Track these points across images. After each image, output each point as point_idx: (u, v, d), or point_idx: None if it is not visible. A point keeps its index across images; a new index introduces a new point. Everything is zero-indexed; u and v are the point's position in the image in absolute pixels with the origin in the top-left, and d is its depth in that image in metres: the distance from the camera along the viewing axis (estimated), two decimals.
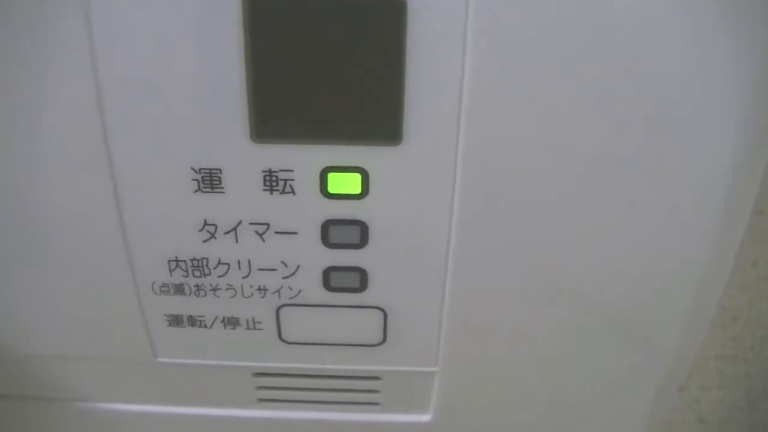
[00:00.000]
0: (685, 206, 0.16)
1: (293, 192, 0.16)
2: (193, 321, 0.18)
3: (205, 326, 0.18)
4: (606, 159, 0.15)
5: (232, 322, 0.18)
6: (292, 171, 0.16)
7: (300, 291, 0.17)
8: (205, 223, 0.16)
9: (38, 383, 0.20)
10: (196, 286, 0.18)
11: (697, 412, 0.38)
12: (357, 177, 0.16)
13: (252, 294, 0.18)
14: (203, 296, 0.18)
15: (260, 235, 0.16)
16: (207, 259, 0.17)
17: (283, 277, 0.17)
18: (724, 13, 0.14)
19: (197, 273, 0.17)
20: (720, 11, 0.14)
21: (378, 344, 0.19)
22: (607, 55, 0.14)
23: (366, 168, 0.15)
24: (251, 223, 0.16)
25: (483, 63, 0.14)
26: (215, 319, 0.18)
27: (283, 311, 0.18)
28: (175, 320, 0.18)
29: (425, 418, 0.21)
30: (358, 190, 0.16)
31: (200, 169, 0.16)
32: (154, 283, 0.18)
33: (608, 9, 0.14)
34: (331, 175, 0.16)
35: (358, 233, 0.16)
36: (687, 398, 0.38)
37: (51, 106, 0.15)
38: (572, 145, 0.15)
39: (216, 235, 0.17)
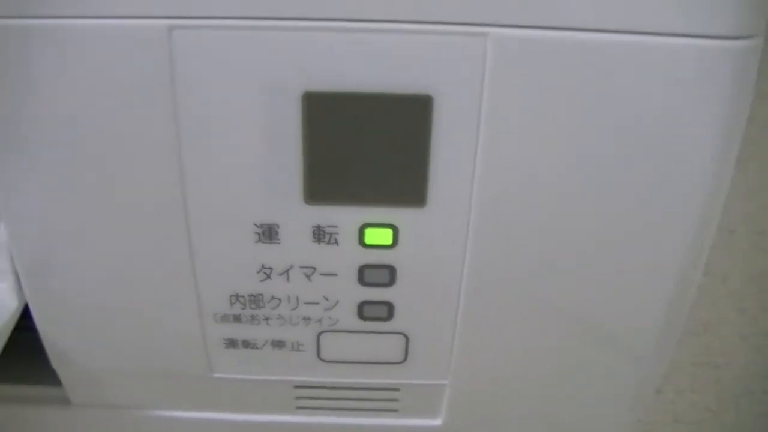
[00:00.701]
0: (661, 235, 0.20)
1: (336, 243, 0.20)
2: (246, 344, 0.22)
3: (256, 348, 0.22)
4: (592, 215, 0.19)
5: (279, 344, 0.22)
6: (336, 227, 0.19)
7: (338, 320, 0.21)
8: (263, 267, 0.20)
9: (113, 393, 0.24)
10: (251, 316, 0.21)
11: (673, 413, 0.42)
12: (389, 231, 0.19)
13: (298, 323, 0.21)
14: (257, 324, 0.21)
15: (308, 276, 0.20)
16: (262, 294, 0.21)
17: (325, 309, 0.21)
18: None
19: (253, 306, 0.21)
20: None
21: (400, 362, 0.22)
22: (599, 127, 0.18)
23: (396, 225, 0.19)
24: (301, 267, 0.20)
25: (492, 146, 0.18)
26: (265, 343, 0.22)
27: (323, 336, 0.22)
28: (231, 343, 0.22)
29: (437, 422, 0.25)
30: (389, 242, 0.19)
31: (261, 224, 0.19)
32: (216, 313, 0.21)
33: (596, 89, 0.18)
34: (368, 230, 0.19)
35: (388, 275, 0.20)
36: (663, 400, 0.42)
37: (143, 174, 0.19)
38: (561, 202, 0.19)
39: (271, 276, 0.20)
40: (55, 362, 0.23)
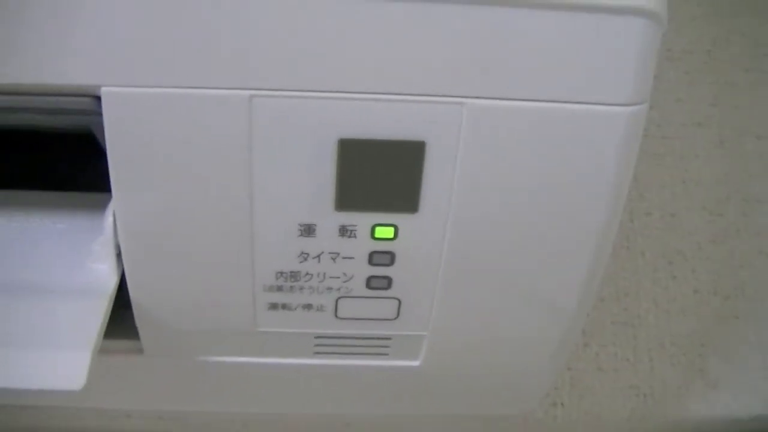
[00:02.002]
0: (578, 237, 0.29)
1: (355, 237, 0.28)
2: (284, 306, 0.31)
3: (291, 309, 0.31)
4: (532, 224, 0.28)
5: (308, 307, 0.31)
6: (355, 226, 0.28)
7: (352, 289, 0.30)
8: (302, 253, 0.29)
9: (178, 345, 0.33)
10: (290, 287, 0.30)
11: (596, 362, 0.51)
12: (392, 229, 0.28)
13: (323, 291, 0.30)
14: (293, 293, 0.30)
15: (333, 259, 0.29)
16: (299, 272, 0.29)
17: (343, 282, 0.30)
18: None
19: (292, 280, 0.30)
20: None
21: (393, 319, 0.31)
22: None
23: (397, 224, 0.28)
24: (329, 253, 0.29)
25: (464, 177, 0.27)
26: (298, 306, 0.31)
27: (340, 300, 0.30)
28: (273, 306, 0.31)
29: (416, 363, 0.34)
30: (391, 236, 0.28)
31: (303, 224, 0.28)
32: (264, 285, 0.30)
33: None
34: (377, 228, 0.28)
35: (389, 258, 0.29)
36: (589, 352, 0.51)
37: (226, 197, 0.27)
38: (509, 214, 0.28)
39: (307, 259, 0.29)
40: (139, 322, 0.32)
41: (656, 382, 0.52)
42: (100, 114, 0.26)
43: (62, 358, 0.27)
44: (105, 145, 0.31)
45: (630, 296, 0.53)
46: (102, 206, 0.32)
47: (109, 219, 0.29)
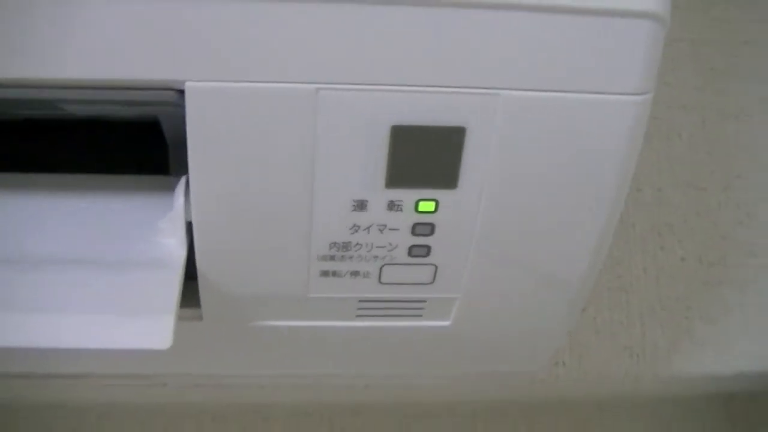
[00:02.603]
0: (585, 215, 0.33)
1: (401, 210, 0.32)
2: (334, 274, 0.35)
3: (340, 276, 0.35)
4: (550, 204, 0.33)
5: (355, 274, 0.35)
6: (402, 201, 0.32)
7: (395, 257, 0.34)
8: (354, 225, 0.33)
9: (235, 310, 0.37)
10: (341, 256, 0.34)
11: (594, 326, 0.56)
12: (433, 204, 0.32)
13: (370, 259, 0.34)
14: (343, 261, 0.34)
15: (380, 231, 0.33)
16: (350, 242, 0.33)
17: (388, 251, 0.34)
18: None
19: (343, 250, 0.34)
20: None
21: (429, 283, 0.36)
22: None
23: (438, 199, 0.32)
24: (377, 225, 0.33)
25: (501, 160, 0.31)
26: (347, 273, 0.35)
27: (384, 267, 0.35)
28: (325, 274, 0.35)
29: (447, 323, 0.38)
30: (432, 210, 0.32)
31: (357, 200, 0.32)
32: (318, 254, 0.34)
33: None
34: (420, 203, 0.32)
35: (430, 229, 0.33)
36: (587, 317, 0.56)
37: (292, 179, 0.31)
38: (531, 192, 0.32)
39: (358, 231, 0.33)
40: (203, 290, 0.35)
41: (647, 343, 0.57)
42: (178, 105, 0.30)
43: (149, 322, 0.31)
44: (169, 132, 0.35)
45: (623, 265, 0.57)
46: (158, 187, 0.36)
47: (180, 198, 0.33)
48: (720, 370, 0.59)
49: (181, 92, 0.29)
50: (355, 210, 0.32)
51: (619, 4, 0.29)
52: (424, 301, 0.37)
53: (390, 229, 0.33)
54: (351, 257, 0.34)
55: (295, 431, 0.75)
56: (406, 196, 0.32)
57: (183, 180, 0.33)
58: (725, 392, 0.83)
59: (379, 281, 0.35)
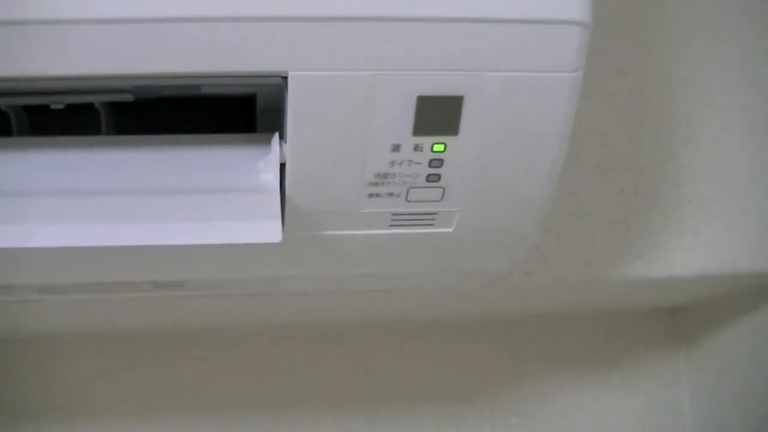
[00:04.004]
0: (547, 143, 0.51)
1: (422, 150, 0.50)
2: (377, 195, 0.52)
3: (380, 197, 0.52)
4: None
5: (390, 195, 0.52)
6: (423, 143, 0.50)
7: (417, 183, 0.52)
8: (391, 161, 0.50)
9: (309, 225, 0.54)
10: (383, 182, 0.52)
11: (557, 241, 0.74)
12: (443, 145, 0.50)
13: (401, 184, 0.52)
14: (383, 186, 0.52)
15: (408, 164, 0.51)
16: (389, 173, 0.51)
17: (413, 178, 0.52)
18: None
19: (384, 177, 0.51)
20: None
21: (440, 200, 0.53)
22: None
23: (446, 143, 0.50)
24: (407, 160, 0.50)
25: (486, 118, 0.49)
26: (385, 194, 0.52)
27: (410, 190, 0.52)
28: (371, 195, 0.52)
29: (450, 229, 0.56)
30: (443, 150, 0.50)
31: (394, 144, 0.50)
32: (368, 181, 0.51)
33: None
34: (435, 145, 0.50)
35: (441, 163, 0.51)
36: (551, 235, 0.74)
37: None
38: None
39: (393, 165, 0.51)
40: (288, 209, 0.53)
41: (597, 254, 0.75)
42: (277, 86, 0.47)
43: (264, 224, 0.49)
44: (262, 102, 0.52)
45: (579, 195, 0.75)
46: (251, 142, 0.53)
47: (276, 147, 0.51)
48: (652, 274, 0.77)
49: (285, 78, 0.47)
50: (392, 151, 0.50)
51: (560, 15, 0.46)
52: (436, 214, 0.55)
53: (415, 163, 0.51)
54: (388, 183, 0.52)
55: (314, 341, 0.94)
56: (425, 140, 0.50)
57: (276, 135, 0.51)
58: (667, 306, 1.02)
59: (407, 200, 0.53)
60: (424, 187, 0.52)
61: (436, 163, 0.51)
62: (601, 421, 1.01)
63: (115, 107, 0.56)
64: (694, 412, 1.02)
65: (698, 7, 0.77)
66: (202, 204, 0.51)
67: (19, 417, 0.90)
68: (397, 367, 0.96)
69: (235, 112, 0.58)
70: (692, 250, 0.76)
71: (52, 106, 0.52)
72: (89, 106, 0.54)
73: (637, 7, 0.76)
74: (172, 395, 0.92)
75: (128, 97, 0.50)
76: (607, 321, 1.03)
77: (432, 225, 0.55)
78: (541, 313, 0.95)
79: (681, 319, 1.03)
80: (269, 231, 0.48)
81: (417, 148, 0.50)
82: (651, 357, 1.04)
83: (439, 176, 0.52)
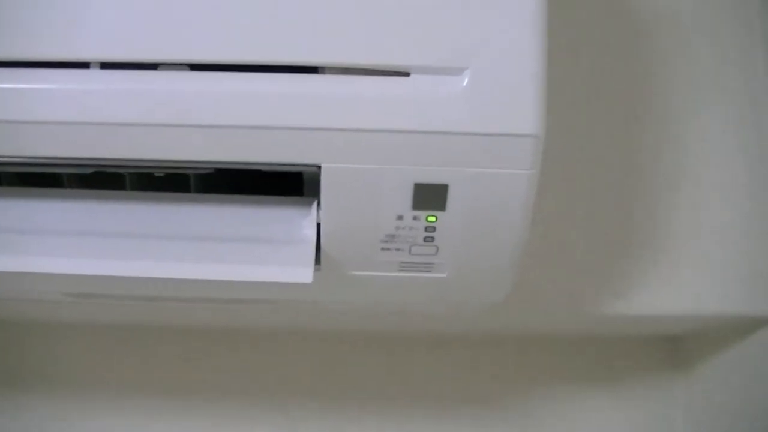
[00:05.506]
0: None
1: (419, 220, 0.68)
2: (387, 249, 0.71)
3: (390, 250, 0.71)
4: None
5: (398, 249, 0.71)
6: (419, 215, 0.68)
7: (416, 242, 0.70)
8: (397, 226, 0.69)
9: (339, 265, 0.73)
10: (391, 240, 0.70)
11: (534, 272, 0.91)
12: (435, 217, 0.68)
13: (404, 242, 0.70)
14: (392, 242, 0.70)
15: (409, 229, 0.69)
16: (395, 234, 0.70)
17: (413, 238, 0.70)
18: None
19: (391, 238, 0.70)
20: None
21: (434, 254, 0.72)
22: None
23: (437, 215, 0.68)
24: (408, 226, 0.69)
25: (466, 199, 0.67)
26: (393, 248, 0.71)
27: (412, 247, 0.71)
28: (383, 249, 0.71)
29: (444, 275, 0.74)
30: (435, 220, 0.69)
31: (399, 215, 0.68)
32: (380, 240, 0.70)
33: None
34: (429, 216, 0.68)
35: (434, 229, 0.69)
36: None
37: None
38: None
39: (399, 229, 0.69)
40: (324, 256, 0.72)
41: (582, 290, 0.92)
42: (317, 168, 0.66)
43: (299, 269, 0.68)
44: (306, 177, 0.71)
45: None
46: (297, 204, 0.72)
47: (314, 210, 0.70)
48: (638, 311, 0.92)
49: (319, 167, 0.66)
50: (397, 220, 0.69)
51: (519, 130, 0.64)
52: (432, 264, 0.73)
53: (414, 229, 0.69)
54: (395, 241, 0.70)
55: (329, 347, 1.11)
56: (421, 213, 0.68)
57: (315, 202, 0.70)
58: (665, 334, 1.16)
59: (410, 253, 0.71)
60: (422, 245, 0.71)
61: (430, 229, 0.69)
62: None
63: (202, 175, 0.76)
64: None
65: None
66: (259, 250, 0.70)
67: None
68: (417, 375, 1.13)
69: (289, 180, 0.77)
70: (678, 292, 0.90)
71: (156, 174, 0.72)
72: (184, 174, 0.74)
73: None
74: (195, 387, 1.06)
75: (212, 171, 0.70)
76: (608, 344, 1.16)
77: (430, 271, 0.74)
78: (543, 334, 1.11)
79: (679, 345, 1.14)
80: (303, 274, 0.68)
81: (415, 218, 0.68)
82: (649, 379, 1.16)
83: (433, 238, 0.70)
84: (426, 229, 0.69)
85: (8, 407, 1.05)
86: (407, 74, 0.63)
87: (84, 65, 0.58)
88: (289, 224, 0.71)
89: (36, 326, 1.06)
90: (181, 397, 1.05)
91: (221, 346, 1.07)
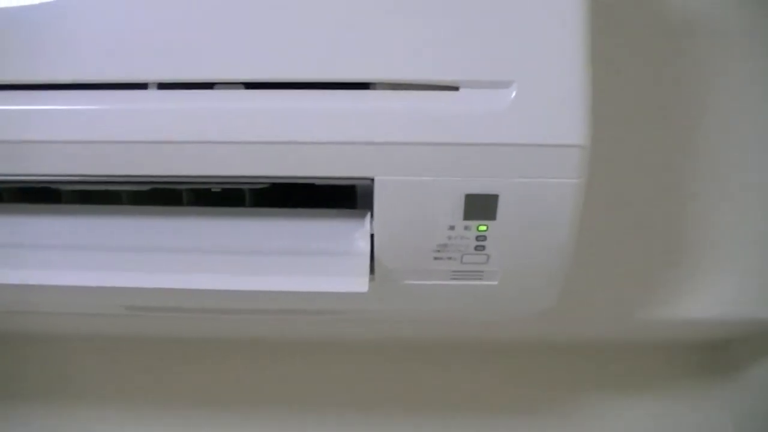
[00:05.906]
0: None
1: (471, 229, 0.70)
2: (439, 258, 0.73)
3: (442, 259, 0.73)
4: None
5: (450, 258, 0.73)
6: (470, 225, 0.70)
7: (469, 250, 0.72)
8: (449, 236, 0.71)
9: (391, 274, 0.75)
10: (444, 249, 0.72)
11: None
12: (486, 226, 0.70)
13: (456, 251, 0.72)
14: (444, 251, 0.72)
15: (461, 238, 0.71)
16: (447, 243, 0.72)
17: (464, 247, 0.72)
18: None
19: (444, 247, 0.72)
20: None
21: (485, 263, 0.73)
22: None
23: (488, 225, 0.70)
24: (460, 236, 0.71)
25: (516, 207, 0.69)
26: (445, 257, 0.73)
27: (464, 255, 0.73)
28: (435, 258, 0.73)
29: (495, 283, 0.76)
30: (485, 229, 0.70)
31: (450, 225, 0.70)
32: (432, 249, 0.72)
33: None
34: (480, 226, 0.70)
35: (485, 237, 0.71)
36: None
37: None
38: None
39: (451, 238, 0.71)
40: (377, 266, 0.74)
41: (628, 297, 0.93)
42: (369, 181, 0.68)
43: (355, 279, 0.70)
44: (360, 189, 0.73)
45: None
46: (349, 216, 0.75)
47: (367, 222, 0.72)
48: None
49: (373, 180, 0.68)
50: (449, 230, 0.71)
51: (566, 141, 0.66)
52: (483, 272, 0.75)
53: (465, 238, 0.71)
54: (448, 250, 0.72)
55: (356, 354, 1.11)
56: (472, 223, 0.70)
57: (369, 213, 0.72)
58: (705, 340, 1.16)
59: (461, 262, 0.73)
60: (473, 254, 0.73)
61: (481, 238, 0.71)
62: None
63: (257, 189, 0.79)
64: None
65: None
66: (315, 262, 0.73)
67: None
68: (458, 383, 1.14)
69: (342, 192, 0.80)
70: (724, 296, 0.90)
71: (213, 189, 0.75)
72: (238, 189, 0.77)
73: None
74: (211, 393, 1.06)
75: (267, 186, 0.73)
76: (653, 351, 1.17)
77: (481, 279, 0.76)
78: (587, 342, 1.12)
79: (727, 351, 1.13)
80: (359, 284, 0.70)
81: (467, 228, 0.70)
82: (696, 386, 1.14)
83: (484, 247, 0.72)
84: (477, 238, 0.71)
85: (12, 416, 1.05)
86: (456, 88, 0.65)
87: (142, 86, 0.61)
88: (343, 236, 0.74)
89: (39, 338, 1.05)
90: (194, 408, 1.06)
91: (242, 356, 1.08)
